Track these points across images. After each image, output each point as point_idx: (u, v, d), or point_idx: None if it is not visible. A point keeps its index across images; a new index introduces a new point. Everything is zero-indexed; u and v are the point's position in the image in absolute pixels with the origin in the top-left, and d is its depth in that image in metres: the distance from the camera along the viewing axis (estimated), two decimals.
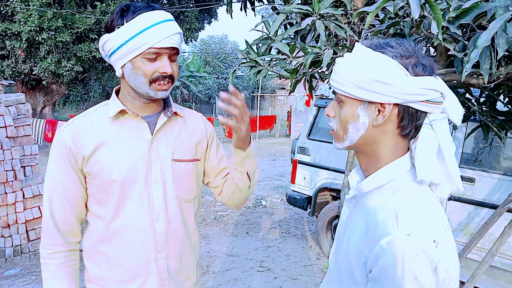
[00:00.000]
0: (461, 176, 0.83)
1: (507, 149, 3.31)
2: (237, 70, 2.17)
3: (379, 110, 0.82)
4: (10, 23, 10.05)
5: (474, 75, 1.58)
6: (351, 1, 1.85)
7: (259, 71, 1.88)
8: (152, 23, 1.11)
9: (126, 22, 1.12)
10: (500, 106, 2.20)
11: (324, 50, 1.73)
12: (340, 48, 1.83)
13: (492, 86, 2.00)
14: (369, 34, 1.77)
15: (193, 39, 14.72)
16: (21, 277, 3.70)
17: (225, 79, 27.75)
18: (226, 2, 2.41)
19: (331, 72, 1.75)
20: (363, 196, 0.88)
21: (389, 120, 0.82)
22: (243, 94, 1.18)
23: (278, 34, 1.88)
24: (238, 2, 2.72)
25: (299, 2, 2.20)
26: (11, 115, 3.95)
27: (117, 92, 1.27)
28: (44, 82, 11.54)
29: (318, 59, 1.80)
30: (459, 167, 0.84)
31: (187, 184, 1.29)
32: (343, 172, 3.41)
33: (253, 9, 2.55)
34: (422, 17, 1.37)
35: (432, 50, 1.85)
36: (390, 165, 0.84)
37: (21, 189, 3.98)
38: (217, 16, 15.55)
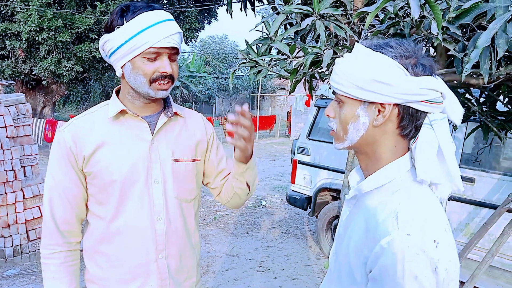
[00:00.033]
0: (461, 176, 0.83)
1: (507, 149, 3.31)
2: (237, 70, 2.17)
3: (379, 110, 0.82)
4: (10, 23, 10.04)
5: (474, 75, 1.58)
6: (351, 1, 1.85)
7: (259, 71, 1.88)
8: (152, 23, 1.11)
9: (126, 22, 1.12)
10: (500, 106, 2.21)
11: (324, 50, 1.73)
12: (340, 48, 1.83)
13: (492, 86, 2.01)
14: (369, 34, 1.77)
15: (193, 39, 14.71)
16: (21, 277, 3.70)
17: (225, 79, 27.74)
18: (226, 2, 2.41)
19: (331, 72, 1.75)
20: (363, 196, 0.89)
21: (389, 120, 0.82)
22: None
23: (278, 34, 1.88)
24: (238, 2, 2.72)
25: (299, 2, 2.20)
26: (11, 115, 3.95)
27: (118, 92, 1.27)
28: (44, 82, 11.54)
29: (318, 59, 1.80)
30: (459, 167, 0.83)
31: (187, 184, 1.29)
32: (343, 172, 3.41)
33: (253, 9, 2.55)
34: (422, 17, 1.37)
35: (432, 50, 1.85)
36: (390, 165, 0.84)
37: (21, 189, 3.98)
38: (217, 16, 15.55)
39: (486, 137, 2.22)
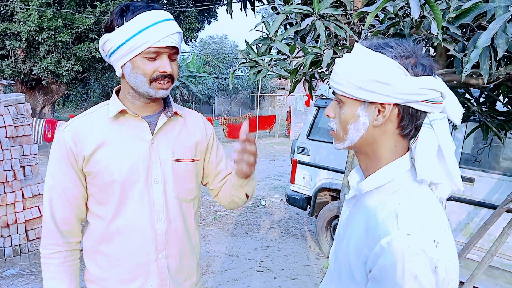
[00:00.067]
0: (461, 176, 0.83)
1: (506, 149, 3.31)
2: (237, 70, 2.17)
3: (379, 110, 0.82)
4: (9, 23, 10.04)
5: (473, 76, 1.58)
6: (351, 1, 1.85)
7: (259, 71, 1.88)
8: (151, 23, 1.11)
9: (126, 22, 1.12)
10: (499, 106, 2.21)
11: (324, 50, 1.73)
12: (340, 48, 1.83)
13: (491, 86, 2.01)
14: (369, 34, 1.77)
15: (192, 39, 14.71)
16: (20, 277, 3.69)
17: (225, 79, 27.74)
18: (226, 2, 2.41)
19: (331, 72, 1.75)
20: (363, 196, 0.89)
21: (389, 120, 0.82)
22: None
23: (278, 34, 1.88)
24: (238, 2, 2.72)
25: (299, 2, 2.20)
26: (11, 115, 3.95)
27: (118, 92, 1.27)
28: (43, 82, 11.53)
29: (318, 59, 1.80)
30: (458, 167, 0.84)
31: (187, 184, 1.30)
32: (343, 172, 3.41)
33: (253, 9, 2.55)
34: (422, 18, 1.37)
35: (431, 50, 1.85)
36: (390, 165, 0.84)
37: (21, 189, 3.98)
38: (216, 16, 15.55)
39: (485, 137, 2.22)
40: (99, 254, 1.24)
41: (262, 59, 1.87)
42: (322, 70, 1.99)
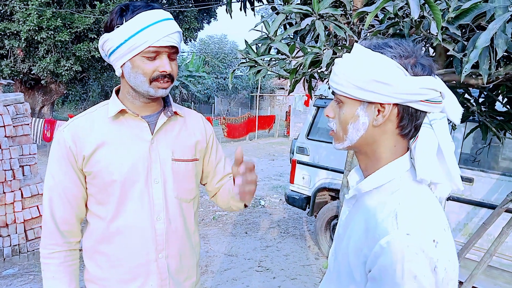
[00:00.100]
0: (460, 176, 0.83)
1: (505, 149, 3.32)
2: (237, 70, 2.17)
3: (378, 110, 0.82)
4: (9, 22, 10.03)
5: (473, 76, 1.58)
6: (351, 1, 1.85)
7: (259, 71, 1.88)
8: (151, 22, 1.11)
9: (126, 21, 1.12)
10: (499, 106, 2.21)
11: (323, 50, 1.73)
12: (340, 48, 1.83)
13: (491, 86, 2.01)
14: (368, 34, 1.77)
15: (192, 39, 14.72)
16: (19, 276, 3.69)
17: (224, 79, 27.72)
18: (225, 2, 2.41)
19: (330, 72, 1.75)
20: (363, 196, 0.89)
21: (388, 120, 0.83)
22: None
23: (277, 34, 1.88)
24: (238, 2, 2.72)
25: (299, 2, 2.20)
26: (10, 115, 3.95)
27: (117, 92, 1.27)
28: (43, 82, 11.52)
29: (317, 59, 1.80)
30: None
31: (187, 184, 1.30)
32: (342, 172, 3.41)
33: (253, 9, 2.55)
34: (421, 18, 1.37)
35: (431, 50, 1.85)
36: (389, 165, 0.84)
37: (20, 189, 3.97)
38: (216, 16, 15.56)
39: (485, 137, 2.22)
40: (99, 254, 1.23)
41: (261, 59, 1.86)
42: (321, 70, 1.99)
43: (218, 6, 14.43)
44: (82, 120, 1.23)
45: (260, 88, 21.81)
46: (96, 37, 10.72)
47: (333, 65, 0.89)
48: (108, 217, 1.20)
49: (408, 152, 0.86)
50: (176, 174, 1.26)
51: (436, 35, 1.28)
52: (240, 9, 2.50)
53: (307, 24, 1.69)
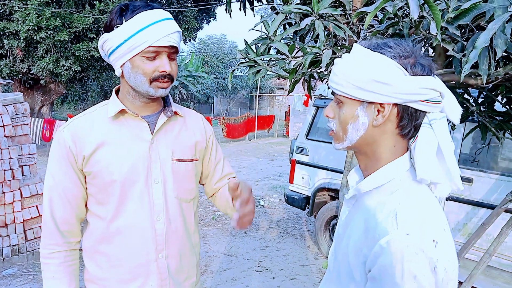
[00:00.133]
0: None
1: (504, 150, 3.32)
2: (236, 69, 2.17)
3: (378, 110, 0.82)
4: (8, 22, 10.02)
5: (472, 76, 1.58)
6: (350, 1, 1.86)
7: (258, 71, 1.88)
8: (151, 22, 1.11)
9: (125, 21, 1.12)
10: (498, 106, 2.21)
11: (323, 50, 1.73)
12: (339, 48, 1.83)
13: (490, 86, 2.01)
14: (368, 34, 1.77)
15: (191, 39, 14.71)
16: (19, 276, 3.69)
17: (224, 79, 27.71)
18: (225, 2, 2.41)
19: (330, 72, 1.75)
20: (363, 196, 0.89)
21: (388, 120, 0.83)
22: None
23: (277, 34, 1.88)
24: (237, 2, 2.72)
25: (298, 2, 2.20)
26: (9, 114, 3.94)
27: (117, 92, 1.27)
28: (42, 82, 11.51)
29: (317, 59, 1.80)
30: None
31: (187, 184, 1.30)
32: (341, 172, 3.41)
33: (252, 9, 2.55)
34: (421, 18, 1.37)
35: (430, 50, 1.85)
36: (389, 165, 0.84)
37: (19, 189, 3.97)
38: (215, 16, 15.56)
39: (484, 137, 2.22)
40: (99, 254, 1.23)
41: (261, 59, 1.86)
42: (321, 70, 1.99)
43: (217, 6, 14.43)
44: (82, 120, 1.23)
45: (260, 88, 21.81)
46: (95, 36, 10.71)
47: (332, 65, 0.89)
48: (108, 217, 1.20)
49: (407, 152, 0.86)
50: (176, 174, 1.26)
51: (436, 35, 1.28)
52: (240, 9, 2.50)
53: (307, 24, 1.69)
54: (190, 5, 13.72)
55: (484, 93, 2.14)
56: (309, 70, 1.96)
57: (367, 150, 0.87)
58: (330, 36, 1.89)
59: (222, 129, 14.71)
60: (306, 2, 2.12)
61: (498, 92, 2.09)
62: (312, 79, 2.17)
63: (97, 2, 10.66)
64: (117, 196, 1.19)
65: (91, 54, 10.70)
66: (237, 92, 27.35)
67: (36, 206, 4.10)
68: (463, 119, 2.01)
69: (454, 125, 2.34)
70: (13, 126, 3.98)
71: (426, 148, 0.80)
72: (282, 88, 24.36)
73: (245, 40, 1.94)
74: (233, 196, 1.21)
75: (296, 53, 1.88)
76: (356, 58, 0.83)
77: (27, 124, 4.21)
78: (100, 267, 1.23)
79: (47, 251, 1.22)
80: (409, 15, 1.39)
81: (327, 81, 2.16)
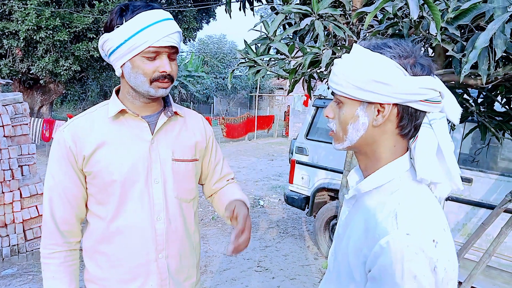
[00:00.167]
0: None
1: (504, 150, 3.32)
2: (236, 70, 2.17)
3: (378, 110, 0.82)
4: (7, 21, 10.01)
5: (472, 76, 1.58)
6: (350, 1, 1.86)
7: (258, 71, 1.88)
8: (151, 22, 1.11)
9: (125, 22, 1.12)
10: (497, 106, 2.21)
11: (322, 50, 1.73)
12: (339, 48, 1.83)
13: (490, 86, 2.01)
14: (367, 34, 1.77)
15: (191, 39, 14.71)
16: (18, 276, 3.68)
17: (223, 79, 27.71)
18: (224, 2, 2.41)
19: (329, 72, 1.75)
20: (363, 196, 0.89)
21: (388, 120, 0.83)
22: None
23: (277, 34, 1.88)
24: (237, 2, 2.72)
25: (298, 2, 2.20)
26: (9, 114, 3.94)
27: (117, 92, 1.27)
28: (41, 81, 11.50)
29: (317, 59, 1.80)
30: None
31: (187, 184, 1.30)
32: (341, 172, 3.41)
33: (252, 9, 2.55)
34: (420, 18, 1.37)
35: (430, 50, 1.85)
36: (389, 165, 0.85)
37: (19, 189, 3.97)
38: (215, 16, 15.55)
39: (483, 137, 2.22)
40: (99, 254, 1.23)
41: (261, 59, 1.87)
42: (321, 70, 1.99)
43: (217, 6, 14.43)
44: (82, 120, 1.23)
45: (259, 88, 21.82)
46: (95, 36, 10.71)
47: (332, 65, 0.89)
48: (108, 217, 1.20)
49: (407, 152, 0.87)
50: (176, 174, 1.26)
51: (435, 36, 1.28)
52: (240, 9, 2.50)
53: (307, 24, 1.69)
54: (189, 5, 13.72)
55: (484, 93, 2.14)
56: (308, 70, 1.96)
57: (367, 150, 0.87)
58: (330, 36, 1.89)
59: (221, 129, 14.71)
60: (306, 2, 2.12)
61: (498, 92, 2.09)
62: (311, 79, 2.17)
63: (97, 2, 10.65)
64: (117, 196, 1.19)
65: (90, 54, 10.70)
66: (237, 92, 27.36)
67: (36, 206, 4.09)
68: (462, 119, 2.01)
69: (454, 125, 2.34)
70: (12, 126, 3.98)
71: (426, 148, 0.80)
72: (282, 88, 24.36)
73: (244, 40, 1.94)
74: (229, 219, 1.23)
75: (296, 53, 1.88)
76: (356, 58, 0.83)
77: (27, 124, 4.21)
78: (100, 267, 1.23)
79: (47, 251, 1.23)
80: (408, 15, 1.39)
81: (326, 81, 2.16)
